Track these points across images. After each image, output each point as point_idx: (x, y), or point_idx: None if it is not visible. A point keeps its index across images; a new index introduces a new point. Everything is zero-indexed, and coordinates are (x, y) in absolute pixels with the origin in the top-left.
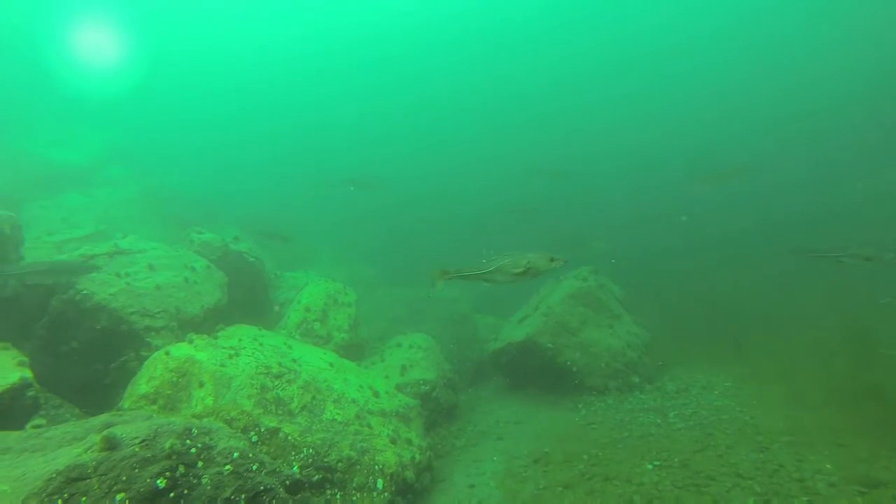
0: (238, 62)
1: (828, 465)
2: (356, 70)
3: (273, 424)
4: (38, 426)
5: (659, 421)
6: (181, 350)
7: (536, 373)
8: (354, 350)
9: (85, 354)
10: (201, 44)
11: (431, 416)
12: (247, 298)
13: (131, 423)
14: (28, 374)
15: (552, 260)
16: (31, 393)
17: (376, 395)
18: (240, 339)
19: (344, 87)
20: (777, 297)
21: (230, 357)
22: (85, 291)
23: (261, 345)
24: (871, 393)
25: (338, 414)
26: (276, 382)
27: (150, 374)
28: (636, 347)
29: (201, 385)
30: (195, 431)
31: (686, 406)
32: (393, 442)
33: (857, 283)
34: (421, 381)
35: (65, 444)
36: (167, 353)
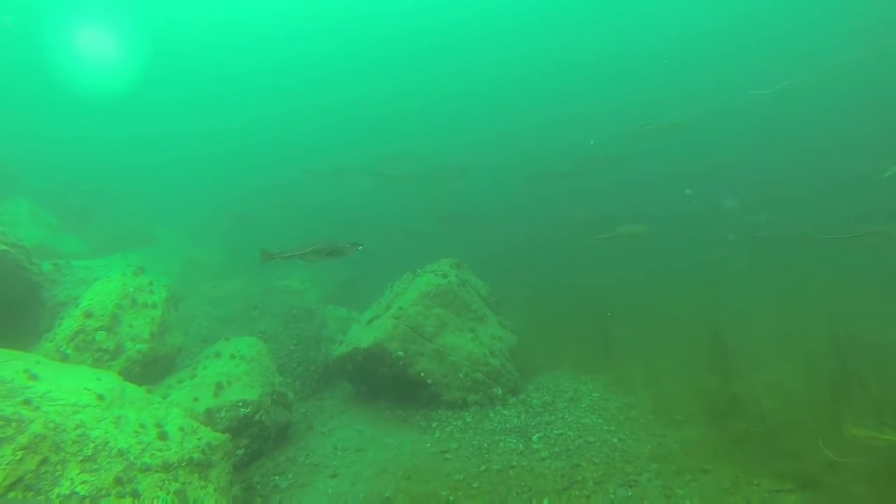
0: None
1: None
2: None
3: None
4: None
5: (522, 447)
6: None
7: (386, 383)
8: (162, 363)
9: None
10: None
11: (254, 443)
12: None
13: None
14: None
15: None
16: None
17: (163, 436)
18: None
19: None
20: (649, 289)
21: None
22: None
23: None
24: (730, 405)
25: (83, 483)
26: None
27: None
28: (500, 354)
29: None
30: None
31: (551, 426)
32: None
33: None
34: (240, 403)
35: None
36: None
